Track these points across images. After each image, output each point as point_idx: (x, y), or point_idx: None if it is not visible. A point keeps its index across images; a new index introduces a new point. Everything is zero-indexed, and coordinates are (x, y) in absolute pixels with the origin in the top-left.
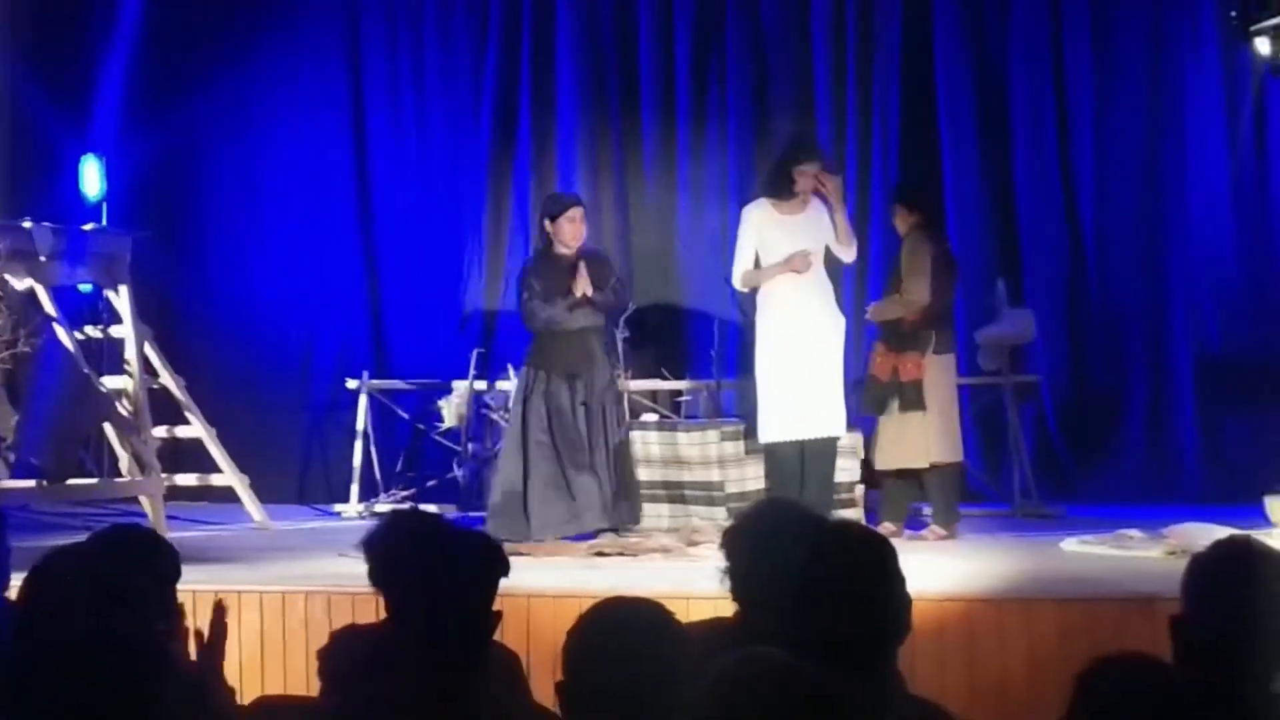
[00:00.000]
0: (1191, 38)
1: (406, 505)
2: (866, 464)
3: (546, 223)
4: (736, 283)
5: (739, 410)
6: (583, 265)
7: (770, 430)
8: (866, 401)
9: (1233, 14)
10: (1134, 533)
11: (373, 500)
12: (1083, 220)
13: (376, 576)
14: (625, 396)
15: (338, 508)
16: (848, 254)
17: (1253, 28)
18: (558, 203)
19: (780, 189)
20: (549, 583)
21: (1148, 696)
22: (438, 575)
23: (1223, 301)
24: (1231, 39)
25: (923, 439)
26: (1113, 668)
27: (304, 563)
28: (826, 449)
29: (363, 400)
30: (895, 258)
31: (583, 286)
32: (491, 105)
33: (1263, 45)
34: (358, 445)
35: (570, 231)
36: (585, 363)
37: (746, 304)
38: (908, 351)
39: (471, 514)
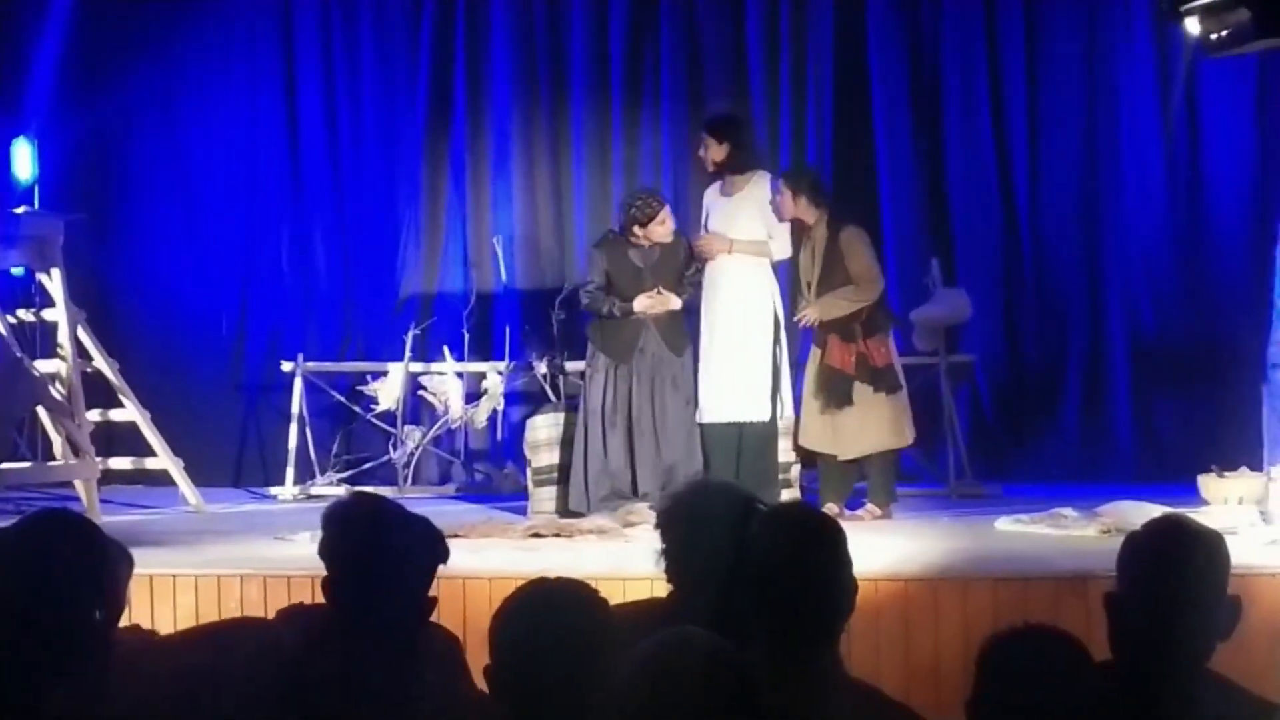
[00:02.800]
0: (1124, 18)
1: (362, 489)
2: (805, 450)
3: (636, 229)
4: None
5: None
6: (656, 293)
7: (704, 412)
8: (828, 394)
9: None
10: (1068, 511)
11: (308, 483)
12: (1017, 200)
13: (324, 552)
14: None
15: (273, 490)
16: (779, 250)
17: (1183, 8)
18: (646, 208)
19: (702, 170)
20: (484, 564)
21: (1050, 666)
22: (381, 559)
23: (1156, 281)
24: (1163, 19)
25: (900, 418)
26: (1014, 641)
27: (240, 546)
28: (761, 432)
29: (298, 383)
30: (809, 249)
31: (645, 305)
32: (426, 86)
33: (1193, 25)
34: (293, 428)
35: (662, 233)
36: (639, 349)
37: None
38: (872, 337)
39: (409, 496)
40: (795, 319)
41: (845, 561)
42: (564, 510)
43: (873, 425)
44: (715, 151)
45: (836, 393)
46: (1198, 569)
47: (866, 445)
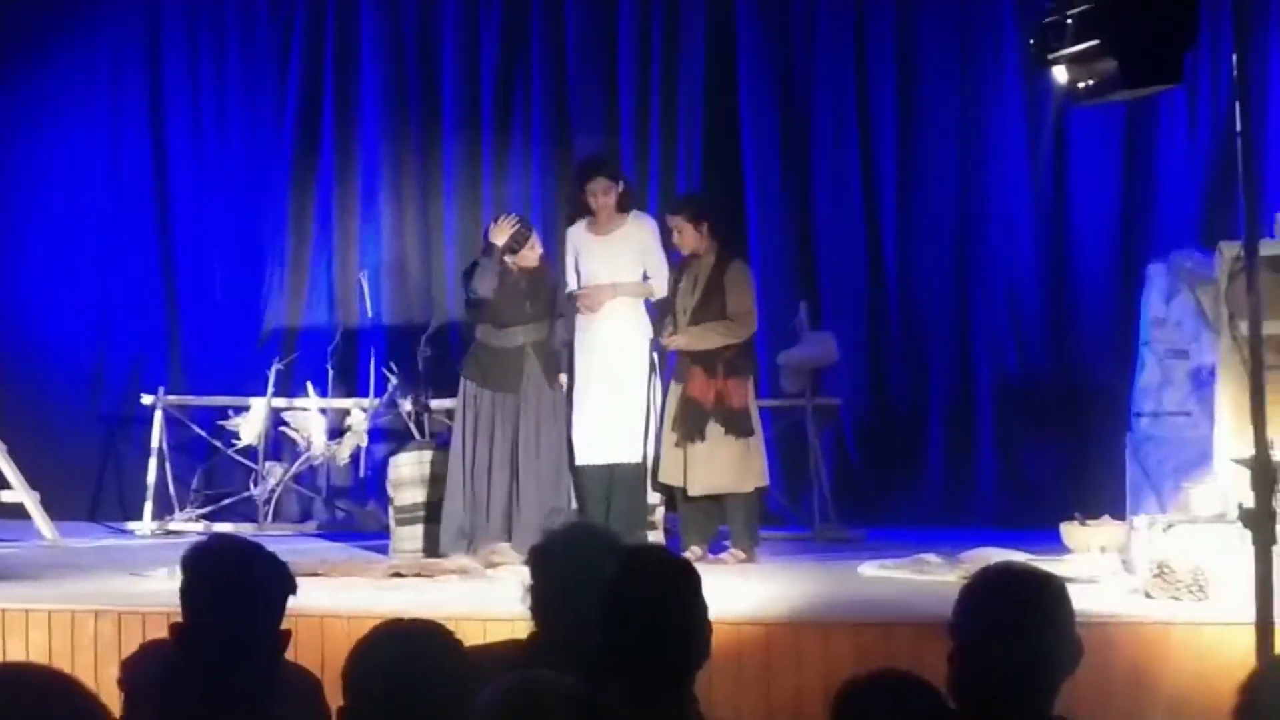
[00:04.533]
0: (995, 63)
1: (221, 527)
2: (666, 487)
3: (505, 257)
4: (563, 305)
5: None
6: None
7: (578, 453)
8: (686, 426)
9: (1032, 42)
10: (931, 557)
11: (167, 518)
12: (884, 243)
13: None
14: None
15: (131, 525)
16: (660, 289)
17: (1050, 55)
18: (517, 235)
19: (577, 212)
20: (344, 604)
21: (904, 711)
22: (231, 597)
23: (1021, 327)
24: (1032, 67)
25: (750, 462)
26: (869, 685)
27: (95, 581)
28: (633, 474)
29: (158, 416)
30: (690, 276)
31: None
32: (294, 117)
33: (1060, 74)
34: (152, 462)
35: (531, 258)
36: (524, 377)
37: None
38: (733, 377)
39: (269, 533)
40: (663, 341)
41: (700, 605)
42: (432, 550)
43: (720, 465)
44: (609, 197)
45: (691, 426)
46: (1032, 612)
47: (711, 485)
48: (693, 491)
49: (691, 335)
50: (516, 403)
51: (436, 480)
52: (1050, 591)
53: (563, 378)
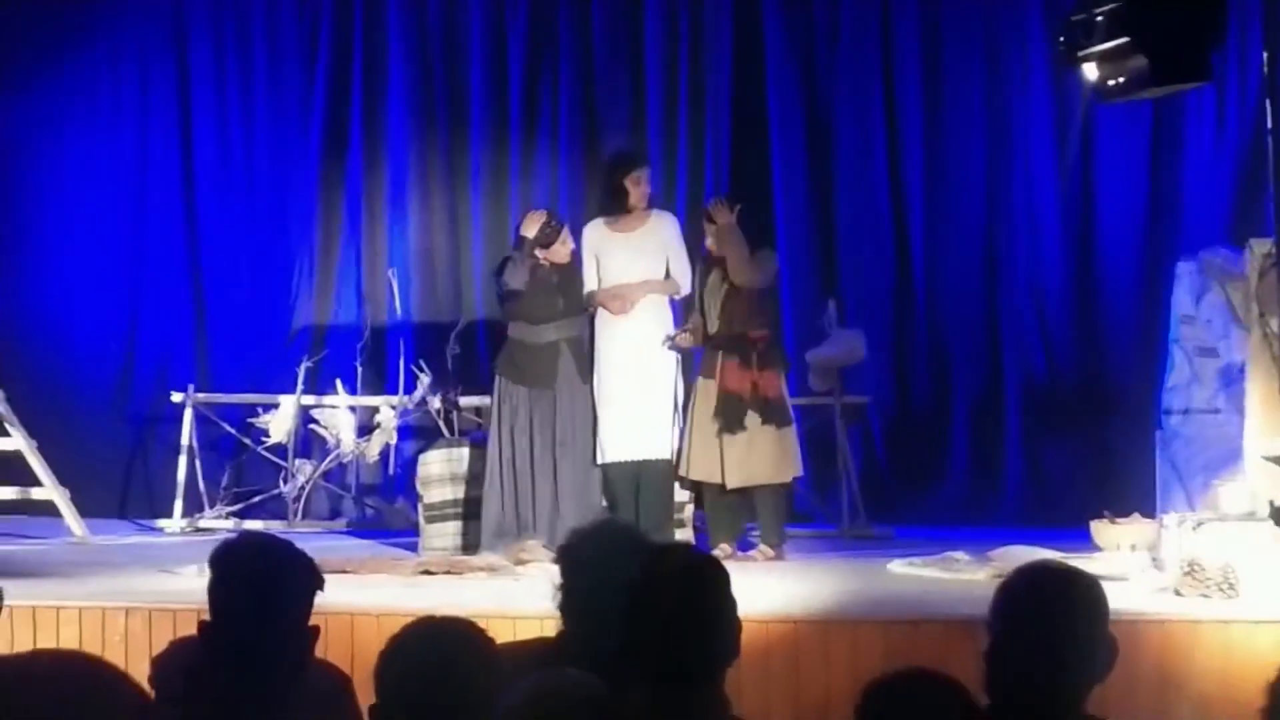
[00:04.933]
0: (1022, 62)
1: (250, 525)
2: (694, 484)
3: (537, 251)
4: (585, 301)
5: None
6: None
7: (605, 451)
8: (725, 418)
9: (1061, 40)
10: (960, 555)
11: (197, 516)
12: (911, 241)
13: (211, 594)
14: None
15: (160, 523)
16: (685, 287)
17: (1080, 53)
18: (547, 229)
19: (612, 204)
20: (372, 601)
21: (930, 710)
22: (260, 594)
23: (1048, 325)
24: (1060, 65)
25: (787, 453)
26: (895, 684)
27: (125, 578)
28: (662, 471)
29: (187, 413)
30: (719, 274)
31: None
32: (321, 115)
33: (1090, 71)
34: (181, 459)
35: (563, 253)
36: (558, 374)
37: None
38: (767, 369)
39: (298, 530)
40: (677, 341)
41: (729, 603)
42: (466, 548)
43: (758, 457)
44: (649, 187)
45: (730, 418)
46: (1071, 613)
47: (751, 476)
48: (731, 483)
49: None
50: (553, 398)
51: (466, 478)
52: (1089, 592)
53: None
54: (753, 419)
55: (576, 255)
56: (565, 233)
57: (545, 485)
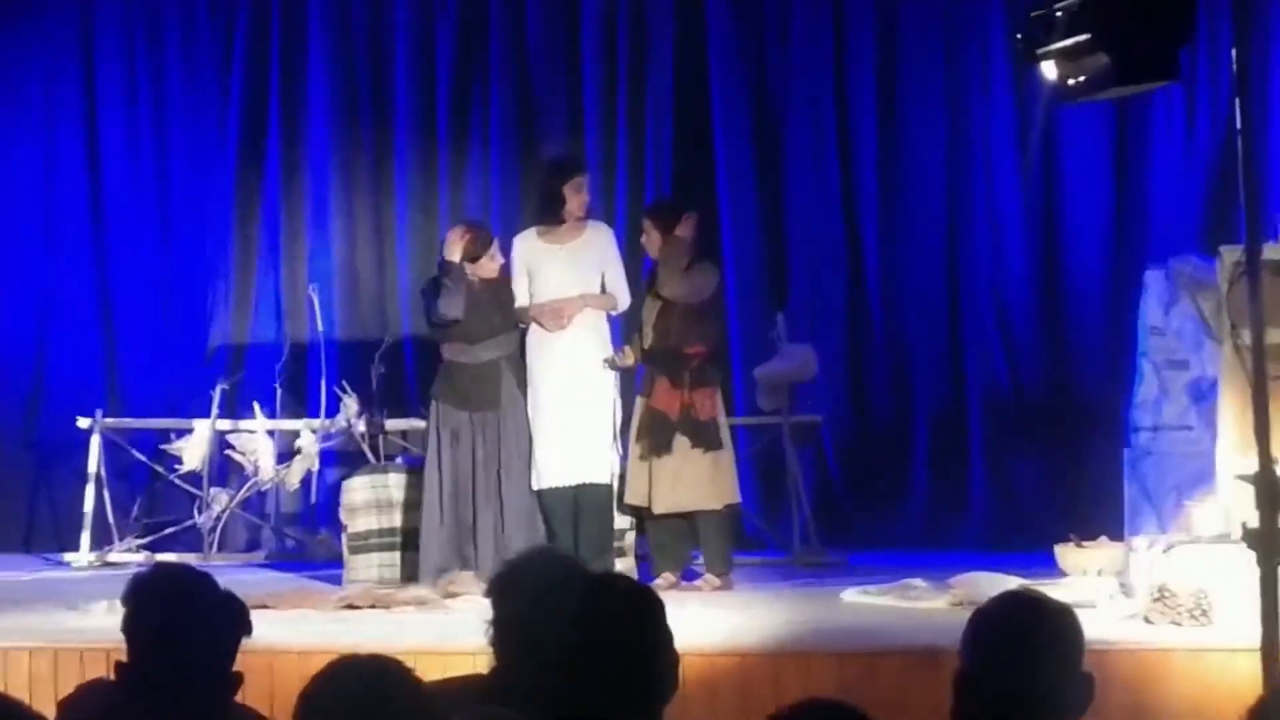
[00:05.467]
0: (981, 61)
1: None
2: (635, 510)
3: (466, 265)
4: (515, 318)
5: None
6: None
7: (540, 477)
8: (652, 439)
9: (1019, 37)
10: (918, 582)
11: (106, 549)
12: (865, 251)
13: (126, 629)
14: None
15: (67, 557)
16: (623, 301)
17: (1039, 51)
18: (475, 241)
19: (549, 212)
20: (295, 638)
21: None
22: (184, 636)
23: (1011, 336)
24: (1020, 63)
25: (719, 478)
26: (791, 717)
27: (29, 616)
28: (600, 496)
29: (95, 440)
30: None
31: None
32: (237, 123)
33: (1050, 70)
34: (89, 489)
35: (490, 269)
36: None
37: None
38: (700, 388)
39: (214, 563)
40: (619, 361)
41: (664, 635)
42: (412, 580)
43: (688, 482)
44: (589, 196)
45: (657, 439)
46: (1047, 645)
47: (678, 502)
48: (658, 509)
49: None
50: (497, 420)
51: (393, 506)
52: (1067, 625)
53: None
54: (681, 441)
55: (506, 269)
56: (495, 247)
57: (488, 514)
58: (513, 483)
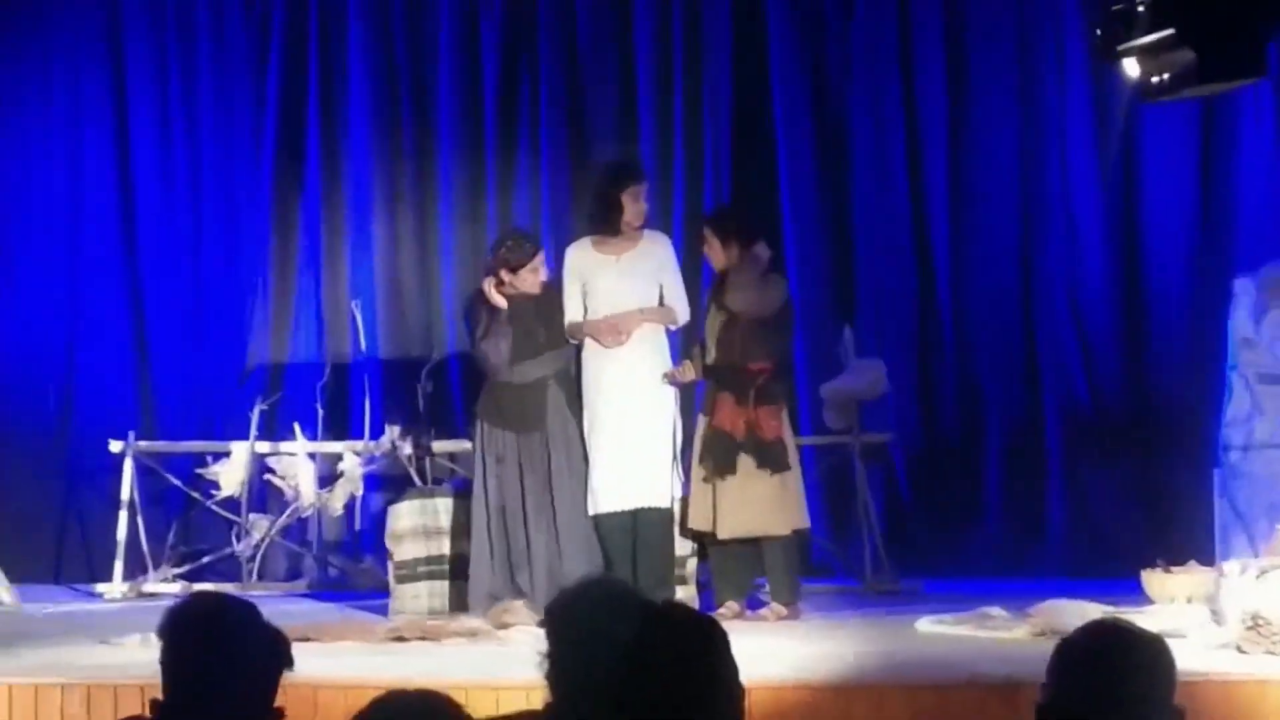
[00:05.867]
0: (1057, 59)
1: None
2: (697, 535)
3: (504, 274)
4: (567, 333)
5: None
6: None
7: (596, 501)
8: (714, 460)
9: (1098, 32)
10: (996, 611)
11: (140, 579)
12: (936, 261)
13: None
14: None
15: (99, 588)
16: (683, 315)
17: (1120, 47)
18: (518, 249)
19: (604, 221)
20: (338, 671)
21: None
22: (215, 667)
23: (1092, 351)
24: (1099, 61)
25: (787, 501)
26: None
27: (61, 651)
28: (660, 520)
29: (128, 465)
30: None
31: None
32: (274, 131)
33: (1131, 67)
34: (122, 516)
35: (532, 282)
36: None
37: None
38: (765, 405)
39: (254, 593)
40: (680, 377)
41: (728, 666)
42: (461, 608)
43: (753, 505)
44: (646, 204)
45: (720, 460)
46: (1136, 678)
47: (744, 526)
48: (722, 534)
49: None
50: (544, 441)
51: (441, 532)
52: (1158, 655)
53: None
54: (746, 462)
55: (554, 282)
56: (539, 259)
57: (541, 539)
58: (566, 506)
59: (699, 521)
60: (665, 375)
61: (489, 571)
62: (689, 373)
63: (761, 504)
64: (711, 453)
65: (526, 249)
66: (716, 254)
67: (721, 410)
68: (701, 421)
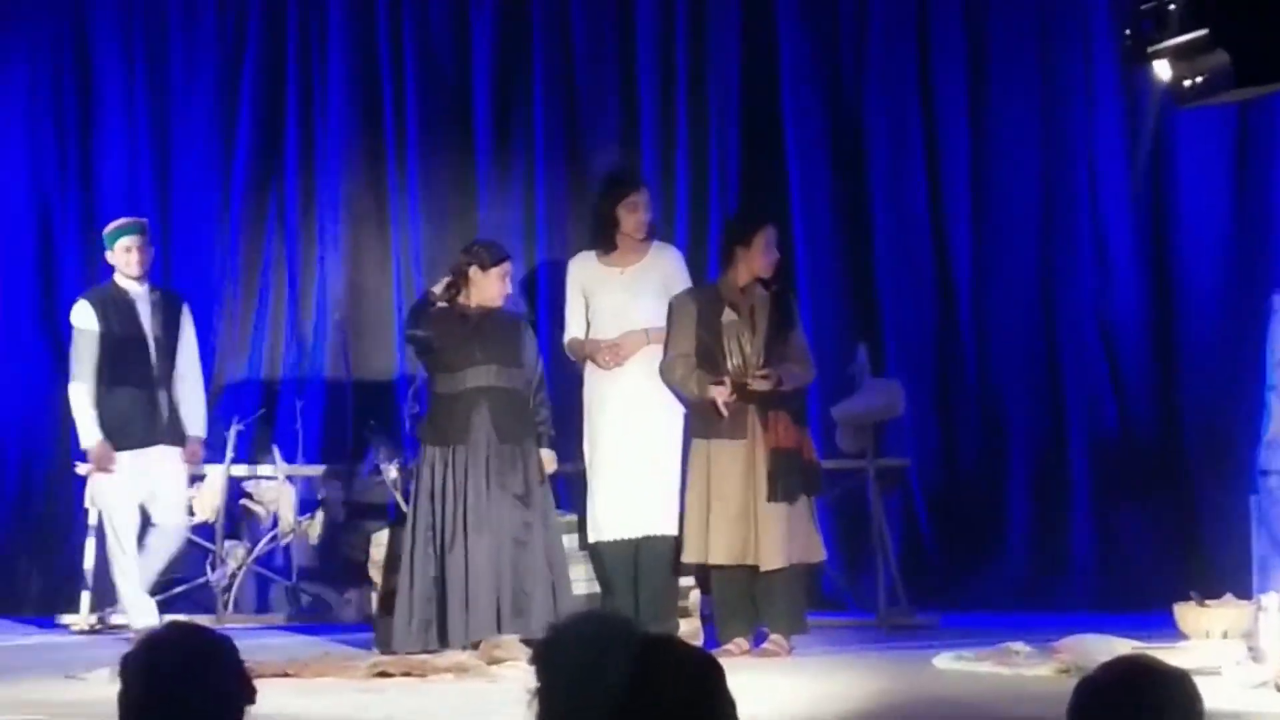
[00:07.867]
0: (1084, 62)
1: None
2: (699, 566)
3: (473, 271)
4: (568, 350)
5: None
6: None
7: (600, 528)
8: (786, 481)
9: (1128, 33)
10: (1019, 646)
11: (108, 610)
12: (956, 274)
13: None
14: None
15: (64, 619)
16: None
17: (1151, 49)
18: (486, 251)
19: (603, 236)
20: (319, 709)
21: None
22: (176, 705)
23: (1119, 372)
24: (1129, 64)
25: (815, 528)
26: None
27: (23, 686)
28: (665, 550)
29: None
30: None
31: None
32: (249, 135)
33: (1163, 70)
34: (89, 544)
35: (493, 292)
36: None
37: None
38: (804, 426)
39: (229, 625)
40: (726, 396)
41: (726, 707)
42: (385, 648)
43: (801, 531)
44: (648, 215)
45: (789, 483)
46: (1163, 717)
47: (792, 553)
48: (772, 565)
49: (783, 375)
50: (465, 456)
51: (397, 561)
52: (1186, 694)
53: (547, 455)
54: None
55: (511, 310)
56: (508, 266)
57: (489, 568)
58: (482, 531)
59: (732, 554)
60: (725, 403)
61: (415, 600)
62: (728, 391)
63: (802, 531)
64: (782, 475)
65: (501, 250)
66: (758, 260)
67: (779, 429)
68: (717, 446)
